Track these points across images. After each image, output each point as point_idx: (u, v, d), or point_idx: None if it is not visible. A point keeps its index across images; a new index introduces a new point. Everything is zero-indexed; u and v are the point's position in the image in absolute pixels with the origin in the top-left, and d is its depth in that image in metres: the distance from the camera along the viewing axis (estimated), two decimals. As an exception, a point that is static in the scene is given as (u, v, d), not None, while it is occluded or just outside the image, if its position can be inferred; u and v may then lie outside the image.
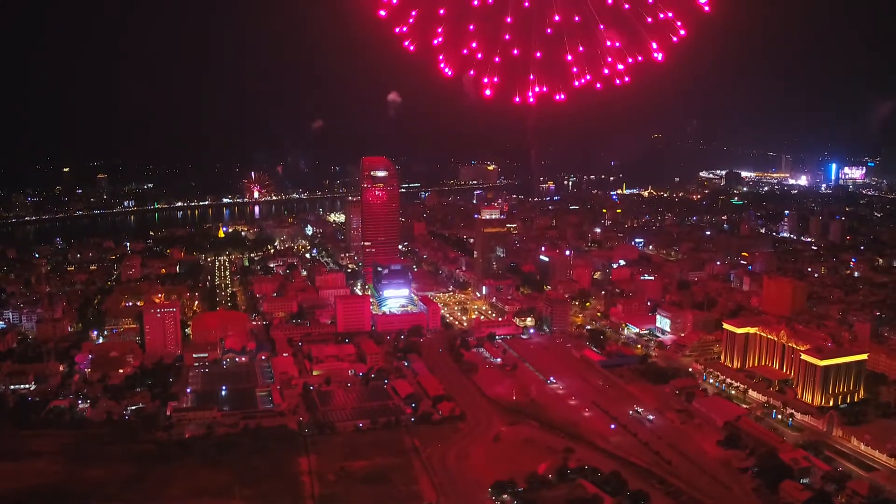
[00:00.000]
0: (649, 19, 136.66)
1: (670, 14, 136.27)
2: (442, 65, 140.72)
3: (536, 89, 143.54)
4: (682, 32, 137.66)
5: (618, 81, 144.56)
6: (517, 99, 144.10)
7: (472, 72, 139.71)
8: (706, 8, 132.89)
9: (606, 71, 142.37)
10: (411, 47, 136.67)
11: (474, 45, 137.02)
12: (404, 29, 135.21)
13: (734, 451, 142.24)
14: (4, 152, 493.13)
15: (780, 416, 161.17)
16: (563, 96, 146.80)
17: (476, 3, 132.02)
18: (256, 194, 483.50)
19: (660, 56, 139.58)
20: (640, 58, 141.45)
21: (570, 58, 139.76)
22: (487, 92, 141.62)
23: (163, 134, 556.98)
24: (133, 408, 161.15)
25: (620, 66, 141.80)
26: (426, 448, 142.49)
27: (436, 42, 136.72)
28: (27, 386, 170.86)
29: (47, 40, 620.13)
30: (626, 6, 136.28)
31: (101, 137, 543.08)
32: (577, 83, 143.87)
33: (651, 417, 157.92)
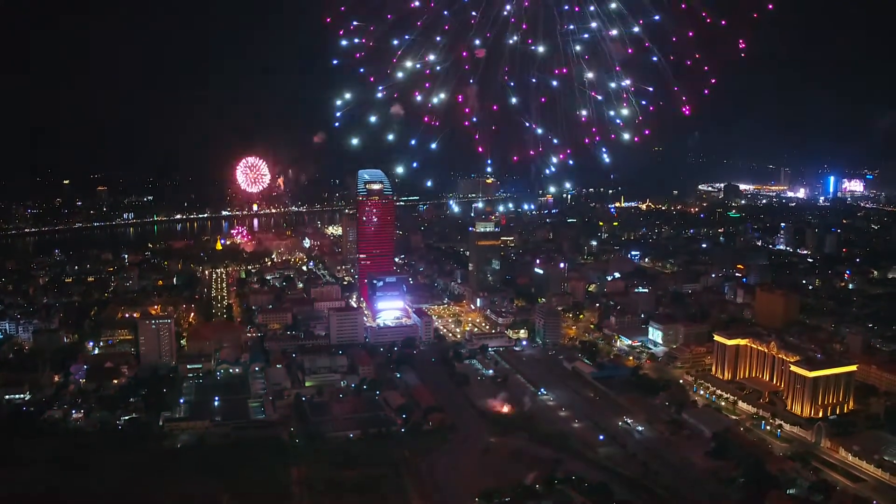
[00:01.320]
0: (672, 57, 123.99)
1: (697, 56, 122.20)
2: (427, 117, 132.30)
3: (539, 149, 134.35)
4: (713, 80, 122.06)
5: (636, 138, 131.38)
6: (515, 158, 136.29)
7: (466, 122, 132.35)
8: (742, 54, 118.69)
9: (620, 122, 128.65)
10: (395, 95, 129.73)
11: (460, 98, 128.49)
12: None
13: (722, 462, 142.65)
14: (5, 165, 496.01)
15: (768, 427, 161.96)
16: (568, 151, 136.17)
17: (465, 53, 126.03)
18: (255, 207, 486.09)
19: (687, 110, 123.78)
20: (661, 103, 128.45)
21: (584, 116, 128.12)
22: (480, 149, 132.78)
23: (164, 147, 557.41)
24: (126, 418, 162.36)
25: (639, 118, 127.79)
26: (415, 458, 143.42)
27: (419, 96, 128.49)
28: (22, 396, 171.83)
29: (49, 53, 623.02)
30: (647, 44, 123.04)
31: (103, 150, 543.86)
32: (587, 140, 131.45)
33: (640, 429, 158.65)
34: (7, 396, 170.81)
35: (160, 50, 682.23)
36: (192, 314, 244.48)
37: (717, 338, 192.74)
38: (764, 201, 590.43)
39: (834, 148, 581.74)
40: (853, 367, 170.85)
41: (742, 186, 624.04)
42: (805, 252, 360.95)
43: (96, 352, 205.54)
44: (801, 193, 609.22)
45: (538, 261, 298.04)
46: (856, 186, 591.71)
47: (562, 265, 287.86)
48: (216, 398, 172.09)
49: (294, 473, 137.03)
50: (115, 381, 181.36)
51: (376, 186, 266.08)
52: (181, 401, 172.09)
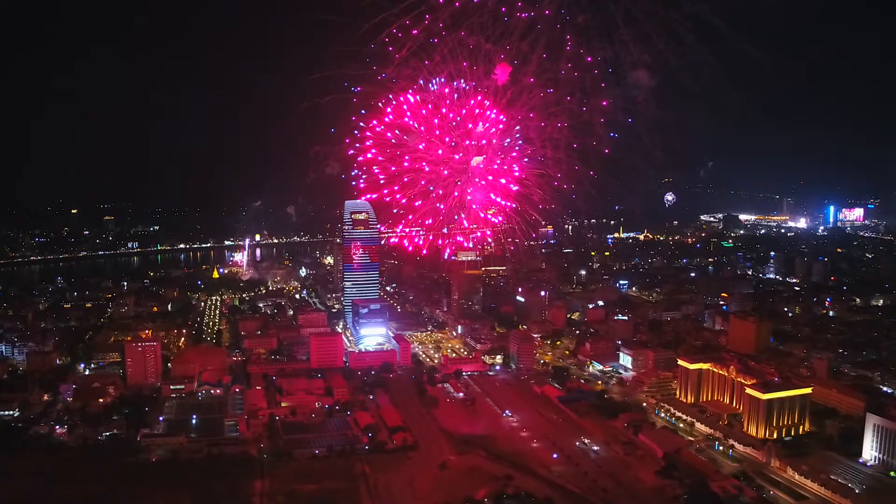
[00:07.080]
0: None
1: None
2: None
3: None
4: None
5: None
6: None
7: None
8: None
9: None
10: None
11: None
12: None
13: (669, 481, 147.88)
14: (15, 194, 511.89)
15: (721, 448, 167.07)
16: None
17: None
18: (258, 237, 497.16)
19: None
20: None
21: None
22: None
23: (173, 177, 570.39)
24: (108, 434, 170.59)
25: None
26: (375, 474, 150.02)
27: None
28: (11, 413, 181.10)
29: (61, 85, 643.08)
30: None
31: (113, 180, 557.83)
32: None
33: (596, 448, 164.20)
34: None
35: (176, 82, 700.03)
36: (183, 339, 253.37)
37: (680, 362, 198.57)
38: (763, 231, 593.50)
39: (839, 178, 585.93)
40: (807, 390, 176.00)
41: (743, 217, 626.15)
42: (794, 281, 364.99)
43: (87, 373, 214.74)
44: (802, 223, 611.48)
45: (520, 289, 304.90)
46: (854, 216, 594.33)
47: (543, 293, 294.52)
48: (194, 416, 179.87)
49: (257, 486, 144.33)
50: (101, 401, 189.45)
51: (362, 217, 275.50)
52: (161, 419, 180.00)
